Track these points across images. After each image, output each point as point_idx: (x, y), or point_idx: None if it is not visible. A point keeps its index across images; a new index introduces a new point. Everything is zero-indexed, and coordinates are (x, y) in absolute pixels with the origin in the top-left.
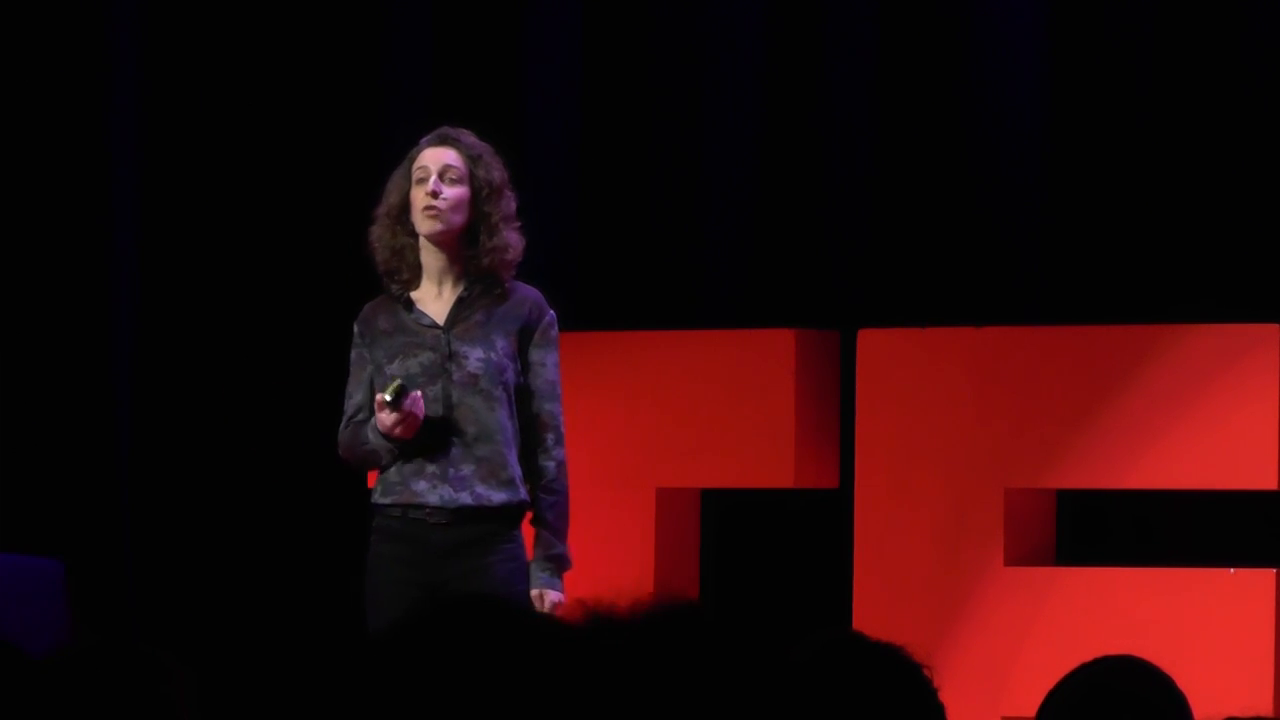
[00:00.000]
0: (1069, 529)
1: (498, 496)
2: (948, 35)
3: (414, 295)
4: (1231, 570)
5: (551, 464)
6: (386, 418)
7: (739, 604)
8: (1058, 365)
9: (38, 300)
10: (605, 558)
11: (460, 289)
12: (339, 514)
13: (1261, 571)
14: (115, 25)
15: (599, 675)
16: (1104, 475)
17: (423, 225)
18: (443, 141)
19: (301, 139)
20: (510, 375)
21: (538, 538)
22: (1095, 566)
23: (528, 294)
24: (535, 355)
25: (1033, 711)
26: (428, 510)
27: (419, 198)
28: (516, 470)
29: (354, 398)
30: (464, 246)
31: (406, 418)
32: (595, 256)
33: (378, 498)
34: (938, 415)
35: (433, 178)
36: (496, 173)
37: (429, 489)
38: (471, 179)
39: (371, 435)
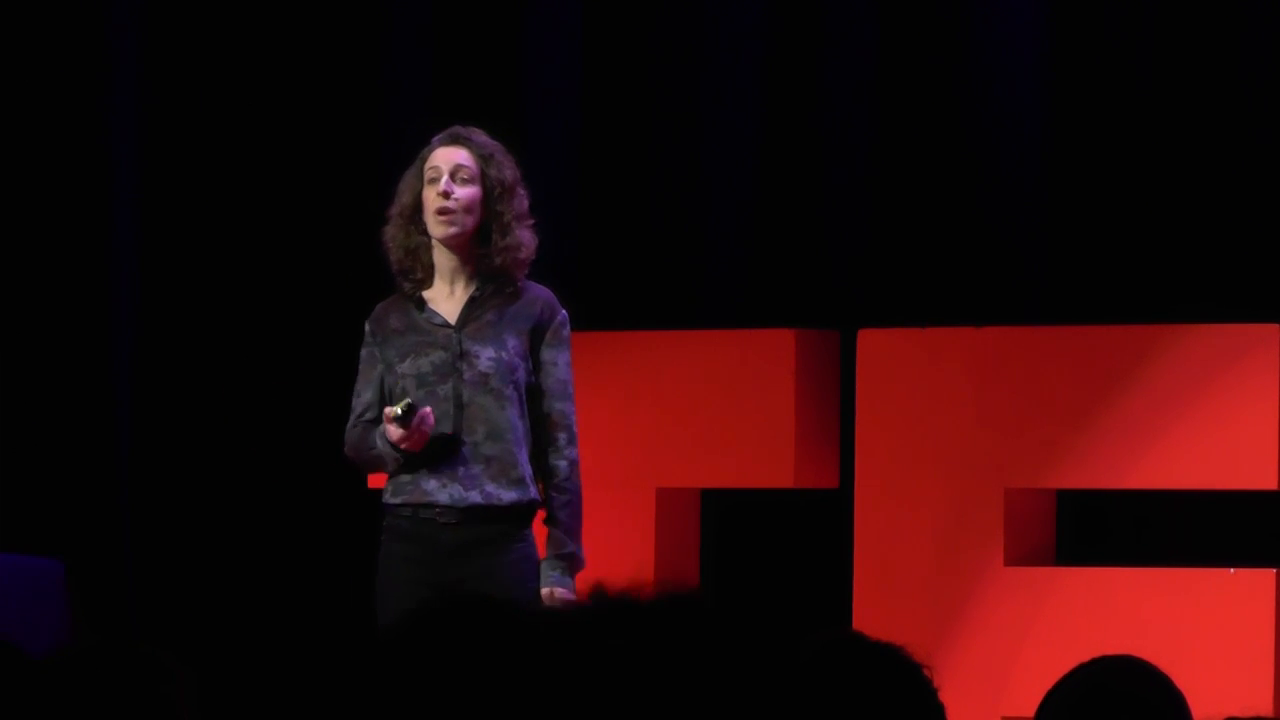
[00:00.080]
0: (1069, 529)
1: (508, 495)
2: (947, 35)
3: (426, 294)
4: (1231, 570)
5: (564, 463)
6: (394, 432)
7: (739, 604)
8: (1058, 365)
9: (38, 300)
10: (605, 558)
11: (473, 288)
12: (339, 513)
13: (1261, 571)
14: (115, 25)
15: (599, 675)
16: (1104, 475)
17: (436, 229)
18: (454, 141)
19: (301, 139)
20: (521, 375)
21: (550, 537)
22: (1095, 566)
23: (540, 293)
24: (547, 354)
25: (1032, 711)
26: (438, 509)
27: (431, 198)
28: (527, 469)
29: (363, 396)
30: (476, 246)
31: (414, 434)
32: (595, 257)
33: (388, 497)
34: (938, 415)
35: (444, 178)
36: (508, 171)
37: (439, 488)
38: (483, 178)
39: (379, 441)
